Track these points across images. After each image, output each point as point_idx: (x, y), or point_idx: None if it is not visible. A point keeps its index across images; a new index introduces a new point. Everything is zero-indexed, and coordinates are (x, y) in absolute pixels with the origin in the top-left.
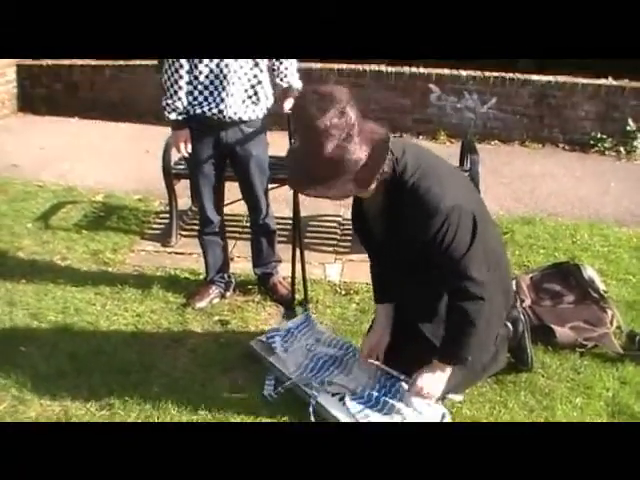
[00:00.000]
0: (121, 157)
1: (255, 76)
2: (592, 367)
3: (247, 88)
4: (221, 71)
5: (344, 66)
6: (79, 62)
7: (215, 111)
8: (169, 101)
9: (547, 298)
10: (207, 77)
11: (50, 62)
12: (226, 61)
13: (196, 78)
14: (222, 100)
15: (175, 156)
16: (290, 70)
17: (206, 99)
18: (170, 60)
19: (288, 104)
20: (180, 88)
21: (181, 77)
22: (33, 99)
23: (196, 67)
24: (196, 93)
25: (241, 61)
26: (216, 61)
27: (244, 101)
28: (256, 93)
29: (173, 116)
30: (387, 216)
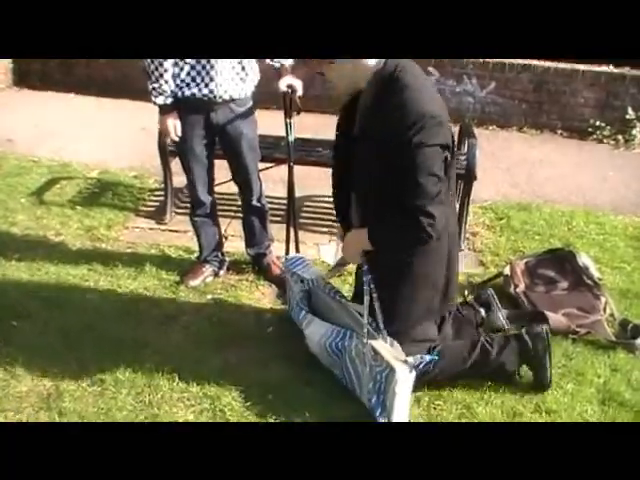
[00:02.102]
0: (117, 134)
1: None
2: (584, 354)
3: (234, 65)
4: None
5: None
6: None
7: (205, 91)
8: (155, 85)
9: (541, 284)
10: (199, 61)
11: None
12: None
13: (182, 59)
14: (211, 79)
15: None
16: None
17: (194, 79)
18: None
19: (284, 82)
20: (166, 71)
21: (166, 59)
22: (29, 74)
23: None
24: (183, 75)
25: None
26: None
27: (233, 78)
28: (243, 68)
29: (160, 100)
30: (369, 112)
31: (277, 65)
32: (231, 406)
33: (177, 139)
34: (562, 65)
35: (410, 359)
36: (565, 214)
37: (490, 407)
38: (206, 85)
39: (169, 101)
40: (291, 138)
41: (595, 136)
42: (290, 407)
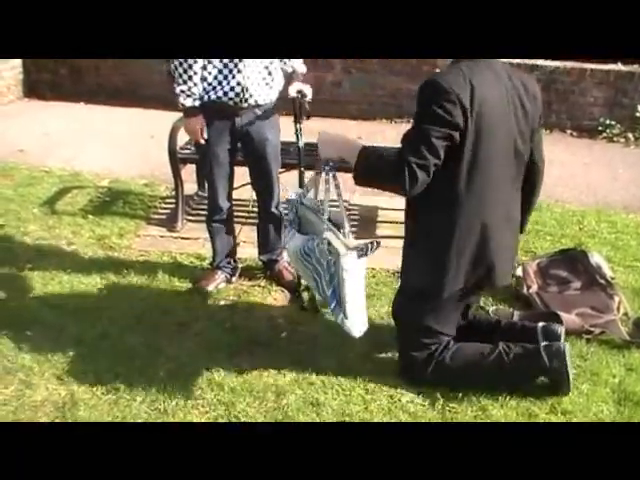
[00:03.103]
0: (127, 142)
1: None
2: (598, 354)
3: (261, 70)
4: (240, 59)
5: None
6: None
7: (232, 95)
8: (183, 87)
9: (554, 284)
10: (221, 61)
11: None
12: None
13: (210, 62)
14: (238, 84)
15: (181, 141)
16: None
17: (220, 83)
18: None
19: (294, 88)
20: (195, 73)
21: (195, 61)
22: (38, 84)
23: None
24: (210, 78)
25: None
26: None
27: (259, 83)
28: (270, 74)
29: (189, 102)
30: None
31: (289, 70)
32: (245, 412)
33: (203, 142)
34: (570, 64)
35: (360, 243)
36: (576, 214)
37: (505, 409)
38: (232, 89)
39: (197, 103)
40: (301, 143)
41: (605, 134)
42: (304, 413)
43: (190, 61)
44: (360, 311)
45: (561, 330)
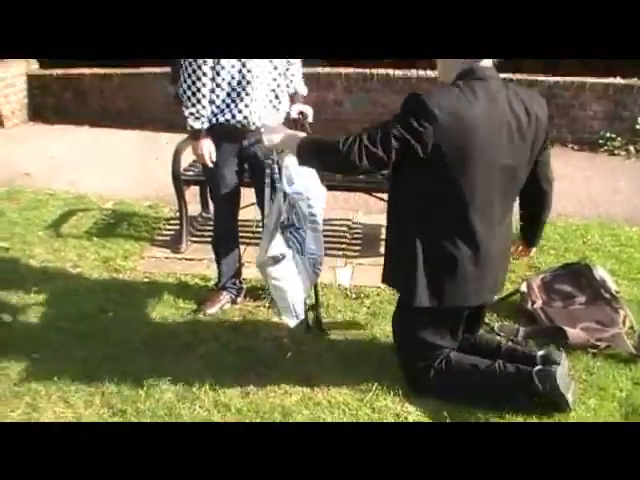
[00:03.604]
0: (130, 164)
1: (275, 79)
2: (605, 368)
3: (268, 92)
4: (243, 77)
5: (351, 70)
6: (88, 71)
7: (240, 117)
8: (192, 110)
9: (558, 299)
10: (229, 84)
11: (60, 71)
12: (248, 66)
13: (218, 85)
14: (246, 106)
15: (184, 162)
16: (297, 76)
17: (228, 106)
18: (190, 69)
19: (295, 109)
20: (203, 96)
21: (204, 85)
22: (43, 108)
23: (218, 74)
24: (218, 101)
25: (262, 65)
26: (238, 66)
27: (266, 106)
28: (277, 97)
29: (198, 125)
30: None
31: (291, 91)
32: None
33: (211, 165)
34: (570, 78)
35: (275, 251)
36: (579, 227)
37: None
38: (240, 111)
39: (206, 126)
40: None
41: (606, 147)
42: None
43: (199, 84)
44: (291, 307)
45: (561, 358)
